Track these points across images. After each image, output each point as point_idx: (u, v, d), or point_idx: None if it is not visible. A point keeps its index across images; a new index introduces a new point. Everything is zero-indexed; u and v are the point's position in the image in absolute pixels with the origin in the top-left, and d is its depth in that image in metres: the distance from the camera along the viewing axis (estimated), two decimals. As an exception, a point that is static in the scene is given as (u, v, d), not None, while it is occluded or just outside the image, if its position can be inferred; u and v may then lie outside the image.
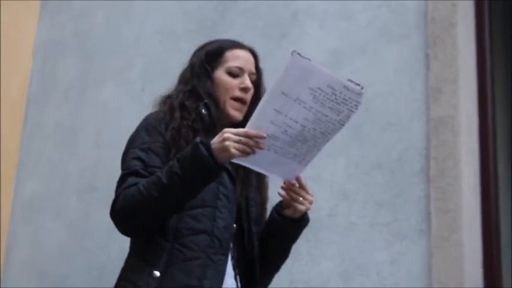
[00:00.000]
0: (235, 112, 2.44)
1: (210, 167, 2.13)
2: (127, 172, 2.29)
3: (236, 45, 2.53)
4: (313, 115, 2.12)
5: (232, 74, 2.45)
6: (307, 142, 2.17)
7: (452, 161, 3.43)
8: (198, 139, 2.16)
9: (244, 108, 2.46)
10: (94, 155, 4.91)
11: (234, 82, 2.44)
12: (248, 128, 2.13)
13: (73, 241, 4.85)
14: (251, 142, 2.12)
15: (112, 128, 4.84)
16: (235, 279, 2.35)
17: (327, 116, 2.13)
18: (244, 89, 2.44)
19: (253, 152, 2.13)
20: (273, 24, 4.29)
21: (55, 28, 5.63)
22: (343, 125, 2.17)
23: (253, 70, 2.50)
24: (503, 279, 3.44)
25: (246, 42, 2.58)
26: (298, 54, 2.05)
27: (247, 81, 2.45)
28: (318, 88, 2.08)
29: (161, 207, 2.20)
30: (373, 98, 3.75)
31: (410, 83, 3.68)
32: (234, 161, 2.17)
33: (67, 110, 5.26)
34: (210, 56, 2.48)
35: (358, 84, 2.13)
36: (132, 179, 2.25)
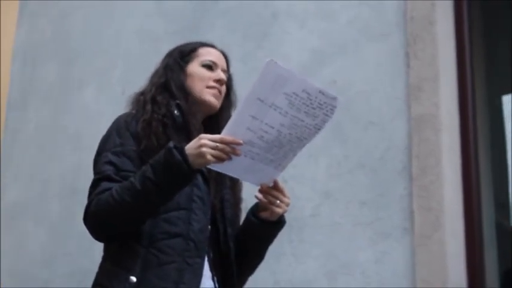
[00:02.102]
0: (212, 98, 2.45)
1: (185, 173, 2.12)
2: (99, 177, 2.27)
3: (209, 44, 2.57)
4: (289, 120, 2.13)
5: (207, 66, 2.48)
6: (284, 147, 2.18)
7: (434, 158, 3.44)
8: (171, 144, 2.15)
9: (220, 98, 2.48)
10: (75, 158, 4.88)
11: (209, 74, 2.47)
12: (224, 135, 2.13)
13: (56, 245, 4.82)
14: (227, 148, 2.12)
15: (93, 130, 4.79)
16: (213, 280, 2.34)
17: (302, 120, 2.14)
18: (219, 81, 2.47)
19: (230, 159, 2.13)
20: (253, 25, 4.29)
21: (34, 31, 5.60)
22: (319, 129, 2.18)
23: (225, 68, 2.54)
24: (486, 277, 3.45)
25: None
26: (274, 61, 2.06)
27: (221, 74, 2.48)
28: (294, 93, 2.09)
29: (135, 212, 2.19)
30: (354, 97, 3.76)
31: (391, 82, 3.69)
32: (209, 167, 2.17)
33: (48, 114, 5.23)
34: (183, 53, 2.52)
35: (335, 98, 2.14)
36: (104, 184, 2.23)
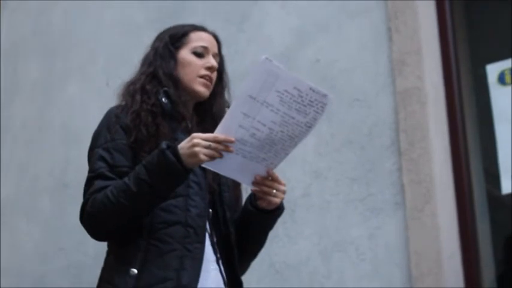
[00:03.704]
0: (202, 88, 2.43)
1: (178, 173, 2.13)
2: (93, 175, 2.27)
3: (200, 28, 2.54)
4: (280, 118, 2.13)
5: (197, 53, 2.45)
6: (275, 146, 2.18)
7: (421, 132, 3.45)
8: (164, 144, 2.15)
9: (211, 86, 2.47)
10: (63, 153, 4.87)
11: (200, 62, 2.45)
12: (217, 133, 2.13)
13: (49, 240, 4.82)
14: (220, 147, 2.12)
15: (79, 123, 4.81)
16: (218, 263, 2.34)
17: (293, 118, 2.14)
18: (210, 68, 2.45)
19: (221, 156, 2.13)
20: (233, 9, 4.27)
21: (14, 28, 5.57)
22: (310, 127, 2.17)
23: (217, 52, 2.51)
24: (479, 246, 3.47)
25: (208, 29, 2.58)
26: (269, 60, 2.07)
27: (212, 61, 2.46)
28: (285, 90, 2.10)
29: (131, 213, 2.20)
30: (338, 75, 3.76)
31: (374, 58, 3.69)
32: (202, 165, 2.17)
33: (33, 110, 5.21)
34: (174, 38, 2.49)
35: (325, 95, 2.14)
36: (98, 183, 2.24)
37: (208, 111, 2.47)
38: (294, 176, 3.73)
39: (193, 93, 2.43)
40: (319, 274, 3.62)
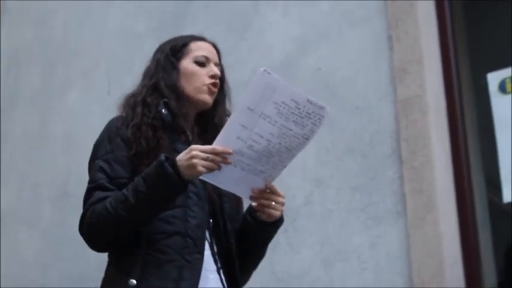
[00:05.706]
0: (207, 96, 2.44)
1: (177, 185, 2.14)
2: (92, 186, 2.28)
3: (199, 38, 2.55)
4: (278, 129, 2.13)
5: (199, 62, 2.46)
6: (273, 157, 2.18)
7: (422, 140, 3.45)
8: (162, 156, 2.15)
9: (214, 94, 2.47)
10: (64, 161, 4.87)
11: (203, 70, 2.45)
12: (215, 145, 2.13)
13: (50, 250, 4.81)
14: (218, 159, 2.12)
15: (81, 132, 4.81)
16: (218, 273, 2.33)
17: (291, 130, 2.14)
18: (214, 76, 2.45)
19: (219, 168, 2.13)
20: (235, 17, 4.28)
21: (15, 36, 5.58)
22: (307, 139, 2.17)
23: (218, 61, 2.51)
24: (481, 254, 3.46)
25: (209, 38, 2.59)
26: (268, 72, 2.07)
27: (215, 69, 2.46)
28: (283, 102, 2.10)
29: (130, 225, 2.21)
30: (339, 83, 3.76)
31: (375, 66, 3.70)
32: (201, 177, 2.17)
33: (34, 118, 5.22)
34: (174, 49, 2.49)
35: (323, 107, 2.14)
36: (98, 194, 2.24)
37: (210, 121, 2.47)
38: (295, 184, 3.73)
39: (198, 103, 2.44)
40: (321, 283, 3.62)
